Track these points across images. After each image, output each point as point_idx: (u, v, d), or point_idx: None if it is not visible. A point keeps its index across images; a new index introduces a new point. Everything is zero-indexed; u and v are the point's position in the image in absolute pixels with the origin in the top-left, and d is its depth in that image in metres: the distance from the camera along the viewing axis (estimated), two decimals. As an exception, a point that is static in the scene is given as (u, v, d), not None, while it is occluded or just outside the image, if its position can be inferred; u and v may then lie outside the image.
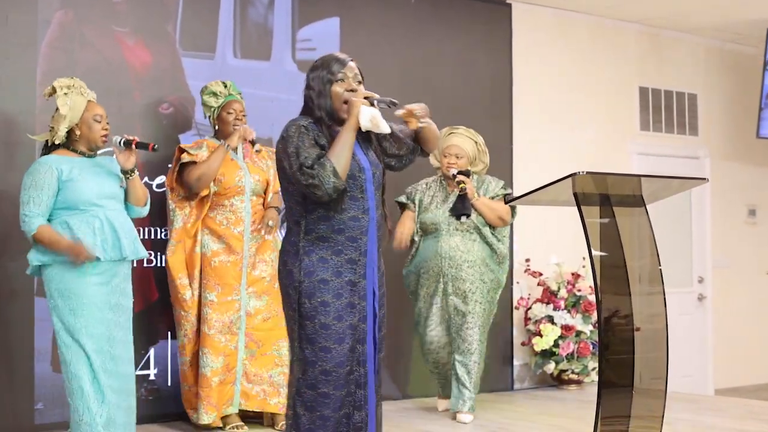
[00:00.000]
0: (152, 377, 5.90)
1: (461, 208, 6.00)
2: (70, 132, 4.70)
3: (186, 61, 6.17)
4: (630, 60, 8.53)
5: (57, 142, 4.70)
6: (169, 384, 5.95)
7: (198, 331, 5.58)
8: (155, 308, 5.94)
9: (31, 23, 5.62)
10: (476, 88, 7.48)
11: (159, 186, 5.96)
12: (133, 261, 5.74)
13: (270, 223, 5.64)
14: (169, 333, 5.96)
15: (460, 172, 5.99)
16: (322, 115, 3.62)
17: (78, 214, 4.57)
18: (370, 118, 3.55)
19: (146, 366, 5.88)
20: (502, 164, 7.57)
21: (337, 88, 3.63)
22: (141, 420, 5.77)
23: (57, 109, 4.67)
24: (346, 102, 3.61)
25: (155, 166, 5.97)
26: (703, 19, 8.40)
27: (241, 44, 6.41)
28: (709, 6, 8.00)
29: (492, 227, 6.18)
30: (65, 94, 4.68)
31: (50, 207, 4.56)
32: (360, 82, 3.68)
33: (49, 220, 4.57)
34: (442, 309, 6.10)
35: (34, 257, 4.58)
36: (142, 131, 5.94)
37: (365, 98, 3.60)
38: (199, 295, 5.59)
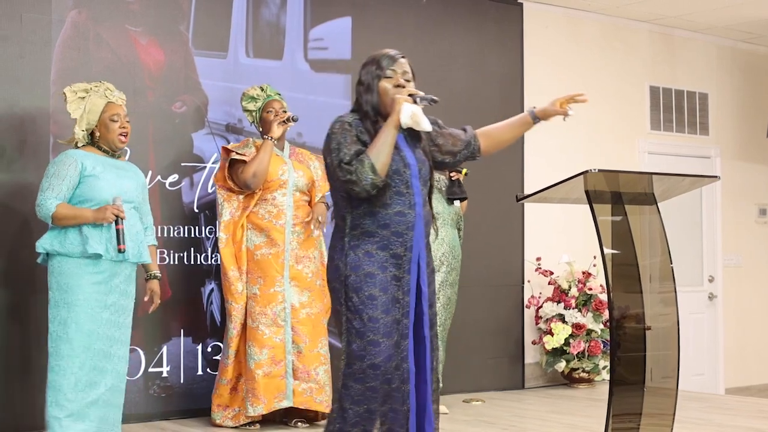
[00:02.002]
0: (165, 374, 5.93)
1: (459, 191, 6.07)
2: (92, 134, 4.79)
3: (199, 60, 6.20)
4: (641, 59, 8.53)
5: (80, 145, 4.80)
6: (182, 381, 5.98)
7: (244, 325, 5.63)
8: (168, 306, 5.95)
9: (45, 22, 5.66)
10: (487, 88, 7.49)
11: (172, 185, 5.99)
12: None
13: (320, 218, 5.71)
14: (182, 331, 5.99)
15: None
16: (368, 110, 3.63)
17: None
18: (410, 115, 3.53)
19: (159, 363, 5.90)
20: (513, 163, 7.59)
21: (385, 84, 3.64)
22: (153, 417, 5.85)
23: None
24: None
25: (167, 164, 6.01)
26: (715, 18, 8.39)
27: (253, 43, 6.43)
28: (721, 6, 7.99)
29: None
30: (81, 98, 4.78)
31: (67, 198, 4.61)
32: (409, 80, 3.68)
33: None
34: (437, 300, 6.01)
35: (40, 245, 4.65)
36: (155, 130, 5.98)
37: (409, 95, 3.58)
38: (247, 289, 5.65)
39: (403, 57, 3.71)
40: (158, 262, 5.89)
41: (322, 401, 5.61)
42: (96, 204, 4.62)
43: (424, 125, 3.58)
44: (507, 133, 3.97)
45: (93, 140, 4.81)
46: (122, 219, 4.56)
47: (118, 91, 4.89)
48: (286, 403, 5.57)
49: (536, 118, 3.91)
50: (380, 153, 3.49)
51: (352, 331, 3.51)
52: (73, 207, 4.59)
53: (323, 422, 5.65)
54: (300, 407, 5.64)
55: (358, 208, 3.55)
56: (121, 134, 4.79)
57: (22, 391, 5.50)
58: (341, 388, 3.53)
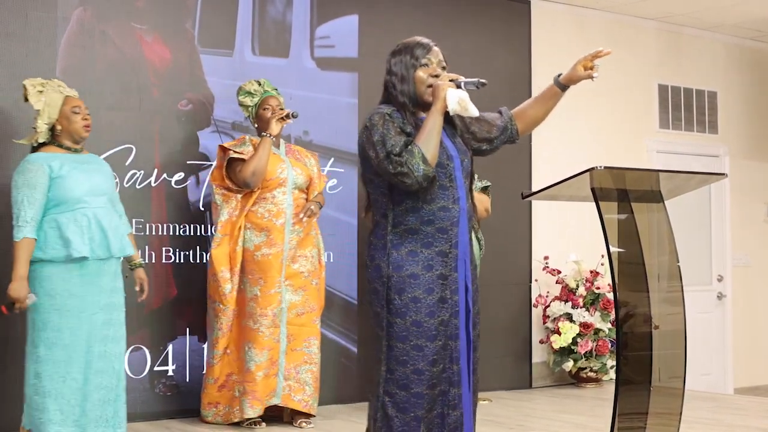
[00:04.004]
0: (171, 373, 5.92)
1: None
2: (52, 129, 4.69)
3: (204, 57, 6.18)
4: (649, 57, 8.49)
5: (41, 141, 4.69)
6: (188, 380, 5.96)
7: (232, 326, 5.60)
8: (174, 304, 5.95)
9: (50, 20, 5.65)
10: (495, 86, 7.38)
11: (177, 183, 5.98)
12: (152, 257, 5.78)
13: (312, 207, 5.66)
14: (188, 329, 5.98)
15: None
16: (405, 101, 3.44)
17: (67, 212, 4.54)
18: (458, 101, 3.36)
19: (165, 362, 5.89)
20: (521, 162, 7.56)
21: (421, 73, 3.47)
22: (159, 415, 5.83)
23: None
24: (430, 86, 3.44)
25: (172, 163, 5.99)
26: (723, 16, 8.36)
27: (259, 41, 6.42)
28: (729, 3, 7.96)
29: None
30: (39, 91, 4.69)
31: (43, 206, 4.50)
32: (444, 68, 3.52)
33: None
34: None
35: None
36: (160, 128, 5.97)
37: (450, 80, 3.43)
38: (239, 290, 5.60)
39: (435, 45, 3.54)
40: (163, 261, 5.90)
41: (300, 400, 5.60)
42: (66, 206, 4.54)
43: (472, 110, 3.39)
44: (540, 110, 3.87)
45: (53, 136, 4.71)
46: (21, 308, 4.49)
47: (69, 89, 4.82)
48: (275, 401, 5.57)
49: (563, 86, 3.88)
50: (429, 142, 3.31)
51: (393, 334, 3.33)
52: (23, 254, 4.45)
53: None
54: (280, 405, 5.63)
55: (400, 204, 3.37)
56: (84, 125, 4.72)
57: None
58: (383, 394, 3.35)
